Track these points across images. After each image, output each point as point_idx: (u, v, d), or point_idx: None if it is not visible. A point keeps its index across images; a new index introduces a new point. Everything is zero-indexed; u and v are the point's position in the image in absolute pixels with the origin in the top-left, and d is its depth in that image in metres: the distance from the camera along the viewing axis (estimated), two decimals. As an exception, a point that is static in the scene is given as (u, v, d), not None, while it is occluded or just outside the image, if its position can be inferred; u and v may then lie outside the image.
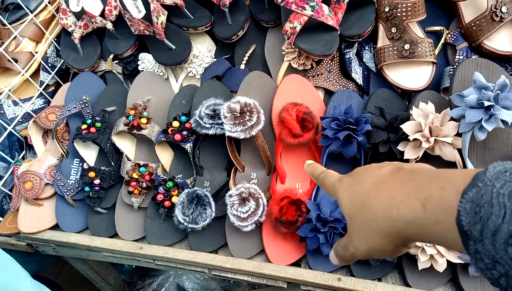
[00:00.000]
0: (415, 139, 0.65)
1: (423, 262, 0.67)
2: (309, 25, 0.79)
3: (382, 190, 0.34)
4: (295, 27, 0.78)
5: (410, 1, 0.75)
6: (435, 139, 0.64)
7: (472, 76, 0.64)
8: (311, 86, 0.82)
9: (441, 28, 0.82)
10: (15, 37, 0.94)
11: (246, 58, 0.89)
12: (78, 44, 0.95)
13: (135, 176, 0.81)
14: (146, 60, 0.93)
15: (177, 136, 0.79)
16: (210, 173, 0.82)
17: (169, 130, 0.80)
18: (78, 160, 0.89)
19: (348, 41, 0.84)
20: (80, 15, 0.96)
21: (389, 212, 0.32)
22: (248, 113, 0.73)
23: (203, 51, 0.91)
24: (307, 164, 0.49)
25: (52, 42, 1.01)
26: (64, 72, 1.06)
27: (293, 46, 0.81)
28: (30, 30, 0.98)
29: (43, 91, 0.98)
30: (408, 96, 0.82)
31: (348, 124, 0.70)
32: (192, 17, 0.91)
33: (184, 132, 0.80)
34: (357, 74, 0.83)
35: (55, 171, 0.87)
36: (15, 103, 0.96)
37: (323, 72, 0.84)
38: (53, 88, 1.03)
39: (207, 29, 0.93)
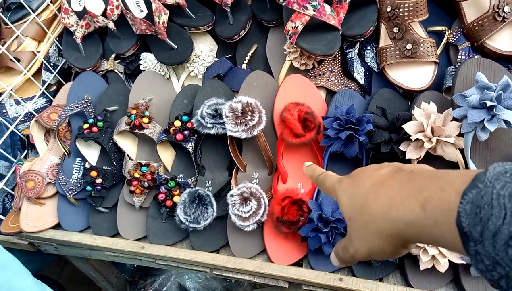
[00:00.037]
0: (417, 139, 0.65)
1: (425, 262, 0.67)
2: (311, 25, 0.79)
3: (381, 191, 0.34)
4: (297, 26, 0.78)
5: (412, 1, 0.74)
6: (437, 139, 0.64)
7: (474, 76, 0.64)
8: (313, 86, 0.82)
9: (443, 28, 0.82)
10: (17, 37, 0.94)
11: (247, 57, 0.89)
12: (80, 44, 0.95)
13: (136, 175, 0.81)
14: (148, 60, 0.93)
15: (179, 136, 0.79)
16: (212, 172, 0.83)
17: (171, 129, 0.80)
18: (80, 159, 0.89)
19: (350, 41, 0.84)
20: (82, 14, 0.96)
21: (389, 213, 0.32)
22: (249, 113, 0.73)
23: (204, 50, 0.91)
24: (306, 166, 0.49)
25: (54, 42, 1.01)
26: (66, 72, 1.06)
27: (295, 46, 0.81)
28: (32, 29, 0.98)
29: (45, 91, 0.98)
30: (410, 96, 0.82)
31: (350, 124, 0.70)
32: (194, 17, 0.92)
33: (186, 132, 0.80)
34: (359, 74, 0.83)
35: (57, 170, 0.87)
36: (17, 102, 0.96)
37: (325, 72, 0.84)
38: (55, 87, 1.03)
39: (209, 28, 0.93)
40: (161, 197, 0.79)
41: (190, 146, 0.80)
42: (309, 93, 0.81)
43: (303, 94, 0.80)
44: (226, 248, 0.79)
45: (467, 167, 0.66)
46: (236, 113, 0.73)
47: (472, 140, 0.63)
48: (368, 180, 0.36)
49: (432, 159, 0.68)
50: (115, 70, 0.98)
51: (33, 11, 0.97)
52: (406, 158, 0.66)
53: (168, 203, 0.79)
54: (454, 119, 0.65)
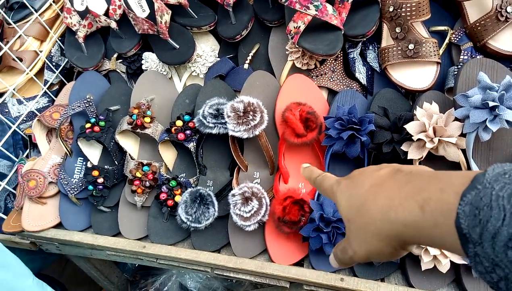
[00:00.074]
0: (419, 139, 0.65)
1: (426, 263, 0.66)
2: (313, 25, 0.79)
3: (380, 192, 0.34)
4: (299, 26, 0.78)
5: (414, 0, 0.74)
6: (439, 139, 0.64)
7: (476, 77, 0.63)
8: (314, 86, 0.82)
9: (446, 28, 0.82)
10: (19, 36, 0.94)
11: (249, 57, 0.89)
12: (82, 43, 0.95)
13: (138, 175, 0.81)
14: (150, 60, 0.93)
15: (181, 136, 0.79)
16: (213, 172, 0.83)
17: (173, 129, 0.80)
18: (82, 158, 0.90)
19: (352, 41, 0.84)
20: (84, 14, 0.96)
21: (387, 214, 0.32)
22: (251, 113, 0.73)
23: (206, 50, 0.91)
24: (303, 167, 0.48)
25: (57, 41, 1.01)
26: (68, 71, 1.06)
27: (296, 46, 0.81)
28: (35, 29, 0.98)
29: (47, 90, 0.99)
30: (412, 96, 0.81)
31: (352, 124, 0.69)
32: (196, 17, 0.92)
33: (188, 132, 0.80)
34: (361, 74, 0.83)
35: (59, 170, 0.87)
36: (19, 102, 0.96)
37: (326, 72, 0.84)
38: (57, 87, 1.03)
39: (211, 28, 0.93)
40: (163, 196, 0.79)
41: (191, 145, 0.80)
42: (311, 93, 0.81)
43: (305, 94, 0.80)
44: (227, 248, 0.79)
45: (469, 167, 0.66)
46: (238, 113, 0.73)
47: (474, 141, 0.63)
48: (366, 181, 0.36)
49: (434, 159, 0.68)
50: (117, 70, 0.98)
51: (36, 11, 0.97)
52: (408, 158, 0.66)
53: (170, 202, 0.79)
54: (456, 119, 0.65)
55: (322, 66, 0.85)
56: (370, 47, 0.85)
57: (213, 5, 0.93)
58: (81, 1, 0.98)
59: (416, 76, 0.77)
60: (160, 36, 0.88)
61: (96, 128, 0.84)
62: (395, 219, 0.31)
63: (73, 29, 0.96)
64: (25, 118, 0.95)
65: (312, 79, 0.83)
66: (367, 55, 0.84)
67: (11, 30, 0.98)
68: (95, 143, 0.89)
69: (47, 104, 1.00)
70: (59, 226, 0.86)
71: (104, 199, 0.85)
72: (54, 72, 1.00)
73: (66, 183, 0.85)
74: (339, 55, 0.85)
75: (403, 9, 0.75)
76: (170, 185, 0.80)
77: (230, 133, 0.74)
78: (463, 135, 0.64)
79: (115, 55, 0.97)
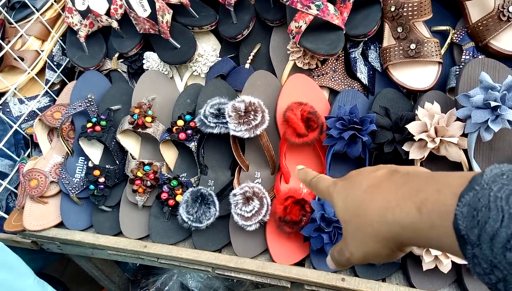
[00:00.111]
0: (420, 139, 0.65)
1: (427, 263, 0.66)
2: (315, 24, 0.79)
3: (377, 194, 0.34)
4: (301, 26, 0.78)
5: (416, 0, 0.74)
6: (440, 139, 0.64)
7: (478, 76, 0.63)
8: (316, 85, 0.82)
9: (448, 27, 0.82)
10: (21, 36, 0.95)
11: (251, 57, 0.89)
12: (84, 43, 0.95)
13: (139, 174, 0.81)
14: (151, 59, 0.93)
15: (182, 135, 0.79)
16: (215, 172, 0.83)
17: (174, 129, 0.80)
18: (83, 158, 0.90)
19: (354, 40, 0.84)
20: (85, 13, 0.96)
21: (384, 216, 0.32)
22: (252, 113, 0.73)
23: (208, 50, 0.91)
24: (298, 169, 0.48)
25: (58, 41, 1.01)
26: (70, 71, 1.06)
27: (298, 46, 0.81)
28: (36, 28, 0.98)
29: (48, 90, 0.99)
30: (414, 96, 0.81)
31: (353, 124, 0.69)
32: (197, 16, 0.92)
33: (189, 131, 0.80)
34: (362, 73, 0.83)
35: (60, 169, 0.87)
36: (21, 101, 0.96)
37: (328, 71, 0.84)
38: (58, 86, 1.03)
39: (212, 28, 0.93)
40: (164, 196, 0.79)
41: (193, 145, 0.80)
42: (312, 93, 0.81)
43: (306, 94, 0.80)
44: (228, 248, 0.79)
45: (470, 167, 0.66)
46: (239, 112, 0.73)
47: (476, 141, 0.63)
48: (363, 182, 0.36)
49: (435, 159, 0.68)
50: (118, 70, 0.98)
51: (37, 10, 0.97)
52: (410, 158, 0.66)
53: (171, 202, 0.79)
54: (457, 119, 0.65)
55: (323, 66, 0.85)
56: (372, 47, 0.85)
57: (214, 5, 0.93)
58: (82, 0, 0.98)
59: (418, 76, 0.77)
60: (162, 35, 0.88)
61: (98, 128, 0.85)
62: (392, 221, 0.31)
63: (75, 29, 0.96)
64: (26, 118, 0.95)
65: (314, 79, 0.83)
66: (368, 55, 0.84)
67: (12, 30, 0.98)
68: (96, 143, 0.89)
69: (48, 103, 1.00)
70: (60, 225, 0.86)
71: (105, 198, 0.85)
72: (56, 72, 1.00)
73: (68, 182, 0.85)
74: (341, 55, 0.85)
75: (405, 9, 0.75)
76: (171, 184, 0.80)
77: (231, 133, 0.74)
78: (464, 135, 0.64)
79: (116, 55, 0.97)
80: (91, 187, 0.83)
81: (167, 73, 0.94)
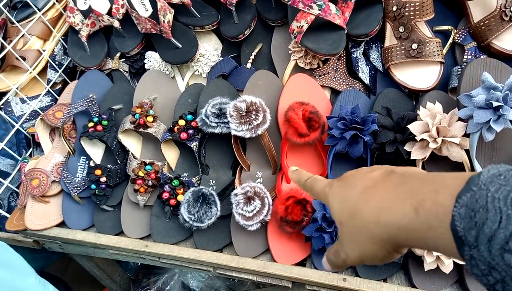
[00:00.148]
0: (422, 139, 0.65)
1: (429, 263, 0.66)
2: (316, 24, 0.78)
3: (373, 195, 0.33)
4: (302, 26, 0.78)
5: (418, 0, 0.74)
6: (442, 139, 0.64)
7: (480, 76, 0.63)
8: (317, 85, 0.82)
9: (449, 27, 0.81)
10: (23, 35, 0.95)
11: (252, 57, 0.89)
12: (85, 43, 0.95)
13: (141, 174, 0.81)
14: (152, 59, 0.93)
15: (183, 135, 0.79)
16: (216, 171, 0.83)
17: (175, 128, 0.80)
18: (85, 157, 0.90)
19: (355, 40, 0.83)
20: (87, 13, 0.96)
21: (381, 217, 0.31)
22: (254, 112, 0.73)
23: (209, 50, 0.91)
24: (291, 171, 0.47)
25: (60, 40, 1.02)
26: (71, 70, 1.06)
27: (299, 45, 0.81)
28: (38, 28, 0.98)
29: (50, 89, 0.99)
30: (416, 96, 0.81)
31: (355, 124, 0.69)
32: (199, 16, 0.92)
33: (190, 131, 0.80)
34: (364, 73, 0.83)
35: (61, 169, 0.87)
36: (22, 101, 0.97)
37: (329, 71, 0.84)
38: (60, 86, 1.03)
39: (214, 27, 0.93)
40: (165, 195, 0.79)
41: (194, 145, 0.80)
42: (313, 93, 0.81)
43: (308, 94, 0.80)
44: (229, 247, 0.79)
45: (472, 167, 0.65)
46: (241, 112, 0.73)
47: (478, 141, 0.63)
48: (359, 183, 0.35)
49: (437, 159, 0.68)
50: (120, 69, 0.98)
51: (39, 10, 0.97)
52: (411, 158, 0.66)
53: (172, 201, 0.79)
54: (459, 119, 0.65)
55: (325, 66, 0.84)
56: (373, 47, 0.85)
57: (216, 5, 0.93)
58: (84, 0, 0.98)
59: (420, 76, 0.77)
60: (163, 35, 0.88)
61: (99, 127, 0.85)
62: (389, 222, 0.31)
63: (76, 28, 0.96)
64: (28, 117, 0.96)
65: (315, 79, 0.83)
66: (370, 54, 0.84)
67: (14, 29, 0.98)
68: (98, 142, 0.89)
69: (50, 103, 1.00)
70: (62, 224, 0.86)
71: (106, 198, 0.85)
72: (57, 71, 1.00)
73: (69, 181, 0.85)
74: (342, 55, 0.85)
75: (407, 9, 0.75)
76: (173, 184, 0.80)
77: (233, 132, 0.74)
78: (466, 135, 0.64)
79: (118, 55, 0.97)
80: (93, 186, 0.83)
81: (169, 73, 0.94)
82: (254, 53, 0.89)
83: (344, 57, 0.85)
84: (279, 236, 0.75)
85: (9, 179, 0.90)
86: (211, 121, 0.76)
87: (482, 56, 0.76)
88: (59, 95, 1.01)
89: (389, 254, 0.33)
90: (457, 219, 0.26)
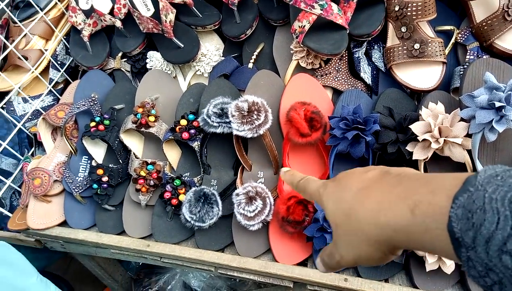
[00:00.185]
0: (424, 140, 0.65)
1: (431, 264, 0.66)
2: (318, 24, 0.78)
3: (368, 196, 0.33)
4: (304, 26, 0.78)
5: (420, 0, 0.74)
6: (444, 140, 0.63)
7: (483, 77, 0.63)
8: (319, 85, 0.82)
9: (452, 27, 0.81)
10: (25, 35, 0.95)
11: (254, 57, 0.89)
12: (87, 42, 0.96)
13: (142, 173, 0.81)
14: (154, 58, 0.93)
15: (185, 135, 0.79)
16: (217, 171, 0.83)
17: (177, 128, 0.80)
18: (87, 157, 0.90)
19: (357, 40, 0.83)
20: (89, 13, 0.96)
21: (377, 218, 0.31)
22: (255, 112, 0.73)
23: (211, 49, 0.91)
24: (283, 172, 0.46)
25: (62, 40, 1.02)
26: (73, 70, 1.06)
27: (301, 45, 0.81)
28: (40, 28, 0.99)
29: (52, 89, 0.99)
30: (418, 96, 0.81)
31: (357, 124, 0.69)
32: (201, 16, 0.92)
33: (192, 131, 0.80)
34: (366, 73, 0.83)
35: (63, 168, 0.87)
36: (24, 100, 0.97)
37: (331, 71, 0.84)
38: (62, 85, 1.04)
39: (216, 27, 0.93)
40: (167, 195, 0.79)
41: (196, 144, 0.80)
42: (315, 93, 0.81)
43: (310, 94, 0.80)
44: (231, 247, 0.80)
45: (474, 168, 0.65)
46: (242, 112, 0.73)
47: (480, 141, 0.63)
48: (354, 183, 0.35)
49: (439, 160, 0.68)
50: (121, 69, 0.98)
51: (41, 10, 0.97)
52: (413, 158, 0.66)
53: (174, 201, 0.79)
54: (462, 119, 0.65)
55: (327, 66, 0.84)
56: (375, 47, 0.84)
57: (217, 4, 0.93)
58: (86, 0, 0.98)
59: (422, 76, 0.77)
60: (165, 35, 0.88)
61: (101, 127, 0.85)
62: (385, 223, 0.30)
63: (78, 28, 0.96)
64: (30, 117, 0.96)
65: (317, 79, 0.83)
66: (372, 54, 0.84)
67: (16, 29, 0.98)
68: (99, 142, 0.89)
69: (52, 102, 1.00)
70: (64, 224, 0.87)
71: (108, 197, 0.85)
72: (59, 71, 1.00)
73: (71, 181, 0.85)
74: (344, 55, 0.85)
75: (409, 9, 0.75)
76: (174, 184, 0.80)
77: (235, 132, 0.74)
78: (468, 136, 0.64)
79: (120, 54, 0.97)
80: (95, 186, 0.83)
81: (170, 72, 0.94)
82: (256, 53, 0.89)
83: (346, 57, 0.85)
84: (281, 236, 0.75)
85: (11, 178, 0.90)
86: (212, 121, 0.76)
87: (484, 56, 0.75)
88: (61, 95, 1.01)
89: (385, 256, 0.33)
90: (454, 220, 0.25)
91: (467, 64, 0.76)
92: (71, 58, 1.03)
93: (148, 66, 0.95)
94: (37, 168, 0.86)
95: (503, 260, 0.23)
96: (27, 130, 0.97)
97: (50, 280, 0.77)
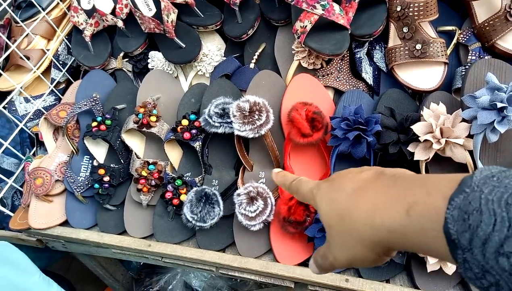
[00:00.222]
0: (425, 140, 0.65)
1: (432, 264, 0.66)
2: (320, 24, 0.78)
3: (363, 196, 0.32)
4: (306, 26, 0.77)
5: (422, 0, 0.74)
6: (446, 140, 0.63)
7: (484, 77, 0.63)
8: (320, 85, 0.82)
9: (454, 28, 0.81)
10: (27, 35, 0.95)
11: (255, 57, 0.89)
12: (89, 42, 0.96)
13: (144, 173, 0.81)
14: (156, 58, 0.93)
15: (186, 135, 0.79)
16: (219, 171, 0.83)
17: (178, 128, 0.80)
18: (88, 157, 0.90)
19: (359, 40, 0.83)
20: (91, 13, 0.96)
21: (371, 219, 0.30)
22: (257, 113, 0.73)
23: (212, 49, 0.91)
24: (275, 173, 0.46)
25: (64, 40, 1.02)
26: (75, 70, 1.07)
27: (303, 45, 0.81)
28: (42, 27, 0.99)
29: (54, 89, 0.99)
30: (419, 97, 0.81)
31: (358, 125, 0.69)
32: (202, 16, 0.92)
33: (193, 131, 0.80)
34: (367, 74, 0.83)
35: (65, 168, 0.87)
36: (26, 100, 0.97)
37: (333, 71, 0.84)
38: (64, 85, 1.04)
39: (217, 27, 0.93)
40: (168, 195, 0.79)
41: (197, 144, 0.80)
42: (317, 93, 0.81)
43: (311, 94, 0.80)
44: (232, 247, 0.80)
45: (476, 169, 0.65)
46: (244, 112, 0.73)
47: (481, 142, 0.63)
48: (348, 184, 0.35)
49: (440, 160, 0.67)
50: (123, 69, 0.98)
51: (43, 10, 0.97)
52: (415, 159, 0.66)
53: (175, 201, 0.79)
54: (463, 120, 0.65)
55: (328, 66, 0.84)
56: (377, 47, 0.84)
57: (219, 4, 0.93)
58: (88, 0, 0.98)
59: (423, 76, 0.76)
60: (167, 35, 0.88)
61: (103, 127, 0.85)
62: (380, 224, 0.30)
63: (80, 28, 0.96)
64: (32, 117, 0.96)
65: (318, 79, 0.83)
66: (373, 55, 0.84)
67: (18, 29, 0.99)
68: (101, 142, 0.89)
69: (54, 102, 1.00)
70: (65, 223, 0.87)
71: (110, 197, 0.85)
72: (61, 71, 1.01)
73: (73, 181, 0.85)
74: (346, 55, 0.85)
75: (411, 9, 0.75)
76: (176, 184, 0.80)
77: (236, 132, 0.74)
78: (470, 136, 0.64)
79: (122, 54, 0.97)
80: (96, 185, 0.84)
81: (172, 72, 0.94)
82: (257, 53, 0.89)
83: (348, 57, 0.85)
84: (282, 236, 0.75)
85: (13, 178, 0.90)
86: (214, 121, 0.76)
87: (486, 57, 0.75)
88: (62, 95, 1.01)
89: (379, 257, 0.32)
90: (450, 221, 0.25)
91: (469, 64, 0.76)
92: (73, 58, 1.03)
93: (149, 66, 0.95)
94: (38, 167, 0.86)
95: (500, 262, 0.23)
96: (29, 130, 0.97)
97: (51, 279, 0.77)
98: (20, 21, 0.94)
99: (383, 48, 0.84)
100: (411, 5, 0.75)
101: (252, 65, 0.88)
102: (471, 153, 0.65)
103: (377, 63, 0.83)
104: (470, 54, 0.78)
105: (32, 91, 1.00)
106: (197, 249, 0.78)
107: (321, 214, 0.36)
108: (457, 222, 0.25)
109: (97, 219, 0.86)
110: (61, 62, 1.01)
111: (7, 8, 0.88)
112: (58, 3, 1.02)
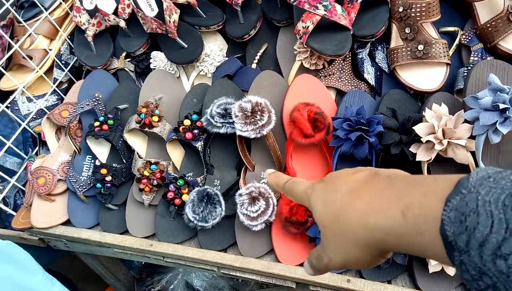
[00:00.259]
0: (427, 141, 0.65)
1: (434, 265, 0.66)
2: (322, 25, 0.78)
3: (358, 198, 0.32)
4: (308, 26, 0.78)
5: (424, 1, 0.74)
6: (448, 141, 0.63)
7: (487, 78, 0.63)
8: (322, 86, 0.82)
9: (456, 28, 0.81)
10: (29, 35, 0.95)
11: (257, 57, 0.89)
12: (91, 42, 0.96)
13: (146, 173, 0.82)
14: (158, 59, 0.94)
15: (188, 135, 0.80)
16: (221, 171, 0.83)
17: (180, 128, 0.80)
18: (90, 156, 0.90)
19: (361, 41, 0.83)
20: (93, 13, 0.97)
21: (367, 221, 0.30)
22: (259, 113, 0.73)
23: (214, 50, 0.91)
24: (268, 173, 0.45)
25: (66, 40, 1.02)
26: (77, 70, 1.07)
27: (305, 46, 0.81)
28: (45, 27, 0.99)
29: (56, 88, 0.99)
30: (421, 98, 0.81)
31: (360, 125, 0.69)
32: (205, 16, 0.92)
33: (195, 131, 0.80)
34: (369, 74, 0.83)
35: (67, 167, 0.88)
36: (29, 99, 0.97)
37: (335, 72, 0.84)
38: (66, 85, 1.04)
39: (219, 28, 0.93)
40: (170, 195, 0.79)
41: (199, 144, 0.80)
42: (319, 94, 0.81)
43: (313, 95, 0.80)
44: (234, 247, 0.80)
45: (478, 169, 0.65)
46: (246, 113, 0.73)
47: (484, 143, 0.63)
48: (343, 185, 0.34)
49: (442, 161, 0.67)
50: (125, 69, 0.98)
51: (46, 9, 0.97)
52: (417, 160, 0.66)
53: (177, 201, 0.79)
54: (465, 121, 0.65)
55: (330, 67, 0.84)
56: (379, 48, 0.84)
57: (221, 5, 0.93)
58: (90, 0, 0.98)
59: (425, 77, 0.76)
60: (169, 35, 0.88)
61: (105, 126, 0.85)
62: (375, 226, 0.29)
63: (82, 28, 0.96)
64: (34, 116, 0.96)
65: (320, 80, 0.83)
66: (375, 55, 0.84)
67: (21, 29, 0.99)
68: (103, 141, 0.90)
69: (56, 102, 1.00)
70: (67, 223, 0.87)
71: (112, 197, 0.85)
72: (63, 71, 1.01)
73: (75, 180, 0.85)
74: (348, 56, 0.85)
75: (413, 10, 0.75)
76: (178, 183, 0.80)
77: (238, 133, 0.74)
78: (472, 137, 0.64)
79: (124, 54, 0.97)
80: (98, 185, 0.84)
81: (174, 72, 0.94)
82: (259, 54, 0.89)
83: (350, 58, 0.85)
84: (284, 236, 0.75)
85: (16, 177, 0.90)
86: (216, 122, 0.76)
87: (488, 58, 0.75)
88: (65, 95, 1.02)
89: (374, 259, 0.32)
90: (446, 223, 0.25)
91: (471, 65, 0.76)
92: (75, 58, 1.03)
93: (151, 66, 0.95)
94: (41, 167, 0.86)
95: (497, 264, 0.22)
96: (31, 129, 0.97)
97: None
98: (22, 21, 0.94)
99: (385, 49, 0.84)
100: (413, 5, 0.75)
101: (254, 66, 0.88)
102: (473, 154, 0.65)
103: (379, 64, 0.83)
104: (472, 55, 0.78)
105: (34, 91, 1.01)
106: (199, 249, 0.78)
107: (315, 215, 0.36)
108: (453, 223, 0.24)
109: (99, 218, 0.86)
110: (63, 62, 1.01)
111: (9, 8, 0.88)
112: (60, 3, 1.02)
